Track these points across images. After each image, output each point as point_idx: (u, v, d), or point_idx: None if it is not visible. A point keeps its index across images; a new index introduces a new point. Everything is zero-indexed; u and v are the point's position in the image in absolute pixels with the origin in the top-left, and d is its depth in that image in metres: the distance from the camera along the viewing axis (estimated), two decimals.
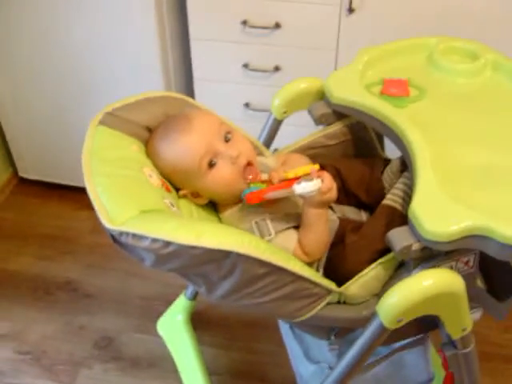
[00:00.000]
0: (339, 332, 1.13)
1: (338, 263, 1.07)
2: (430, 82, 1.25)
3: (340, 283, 1.04)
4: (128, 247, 0.89)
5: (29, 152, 2.23)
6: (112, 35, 1.84)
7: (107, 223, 0.87)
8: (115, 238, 0.89)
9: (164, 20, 1.83)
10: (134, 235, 0.85)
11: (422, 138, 1.06)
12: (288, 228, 1.08)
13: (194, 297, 1.70)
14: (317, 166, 1.03)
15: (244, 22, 1.80)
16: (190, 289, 1.69)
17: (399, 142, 1.11)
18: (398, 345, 1.27)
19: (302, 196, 1.02)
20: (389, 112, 1.14)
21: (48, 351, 1.80)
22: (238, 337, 1.83)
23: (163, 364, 1.73)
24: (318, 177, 1.00)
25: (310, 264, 1.06)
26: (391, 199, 1.12)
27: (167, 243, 0.84)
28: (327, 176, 1.02)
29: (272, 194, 1.03)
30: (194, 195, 1.08)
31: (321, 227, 1.06)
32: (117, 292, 1.96)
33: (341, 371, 1.05)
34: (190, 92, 1.99)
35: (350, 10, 1.72)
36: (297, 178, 1.02)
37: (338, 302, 1.06)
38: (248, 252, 0.87)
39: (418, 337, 1.24)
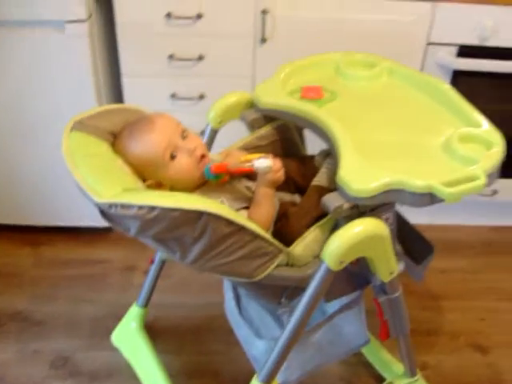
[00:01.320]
0: (289, 294, 1.33)
1: (284, 231, 1.29)
2: (339, 87, 1.51)
3: None
4: (116, 218, 1.08)
5: None
6: (48, 77, 1.98)
7: (97, 198, 1.06)
8: (104, 212, 1.07)
9: (97, 60, 2.00)
10: (123, 205, 1.04)
11: (341, 126, 1.31)
12: (241, 208, 1.29)
13: (145, 304, 1.85)
14: (270, 154, 1.27)
15: (171, 56, 2.02)
16: (142, 297, 1.84)
17: (321, 132, 1.35)
18: (335, 309, 1.50)
19: (259, 170, 1.24)
20: (310, 110, 1.39)
21: (6, 376, 1.86)
22: (187, 342, 1.97)
23: (121, 373, 1.83)
24: (273, 159, 1.25)
25: None
26: (318, 180, 1.37)
27: (152, 208, 1.03)
28: (278, 159, 1.27)
29: (234, 166, 1.25)
30: (158, 185, 1.28)
31: (268, 205, 1.28)
32: (67, 317, 2.05)
33: (295, 321, 1.25)
34: None
35: (263, 40, 2.00)
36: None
37: (287, 265, 1.27)
38: (217, 212, 1.08)
39: (353, 298, 1.47)
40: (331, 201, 1.18)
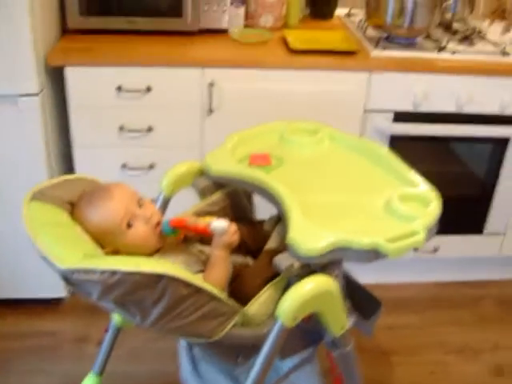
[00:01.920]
0: (245, 354, 1.38)
1: (239, 291, 1.34)
2: (285, 154, 1.60)
3: None
4: (78, 283, 1.11)
5: None
6: (1, 149, 2.01)
7: (60, 265, 1.09)
8: (67, 278, 1.10)
9: (49, 132, 2.05)
10: (85, 271, 1.08)
11: (288, 191, 1.39)
12: (196, 271, 1.34)
13: (101, 372, 1.84)
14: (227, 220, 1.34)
15: (121, 128, 2.09)
16: (97, 366, 1.83)
17: (270, 197, 1.43)
18: (290, 367, 1.54)
19: (216, 231, 1.30)
20: (259, 176, 1.47)
21: None
22: None
23: None
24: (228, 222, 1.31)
25: None
26: (270, 245, 1.44)
27: (113, 272, 1.08)
28: (233, 223, 1.33)
29: (192, 222, 1.30)
30: (115, 252, 1.32)
31: (223, 267, 1.34)
32: None
33: (252, 380, 1.29)
34: None
35: (210, 111, 2.09)
36: None
37: (243, 325, 1.31)
38: (175, 274, 1.13)
39: (307, 355, 1.52)
40: (282, 261, 1.25)
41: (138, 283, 1.10)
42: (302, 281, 1.23)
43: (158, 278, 1.11)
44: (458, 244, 2.54)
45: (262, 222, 1.58)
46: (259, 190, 1.46)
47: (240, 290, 1.34)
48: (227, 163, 1.54)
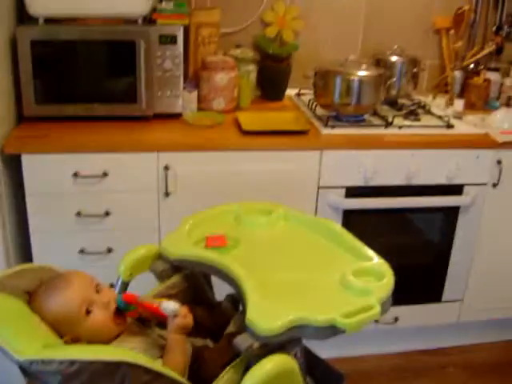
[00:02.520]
0: None
1: (200, 374, 1.34)
2: (241, 235, 1.63)
3: None
4: (37, 374, 1.10)
5: None
6: None
7: (18, 356, 1.09)
8: (25, 369, 1.10)
9: (5, 219, 2.06)
10: (43, 361, 1.08)
11: (245, 271, 1.41)
12: (157, 357, 1.34)
13: None
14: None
15: (78, 213, 2.10)
16: None
17: (227, 278, 1.45)
18: None
19: (166, 311, 1.31)
20: (215, 258, 1.49)
21: None
22: None
23: None
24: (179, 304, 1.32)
25: None
26: (230, 329, 1.45)
27: (71, 362, 1.08)
28: (185, 306, 1.35)
29: (145, 300, 1.31)
30: (75, 340, 1.31)
31: (180, 350, 1.34)
32: None
33: None
34: None
35: (166, 194, 2.12)
36: None
37: None
38: (135, 361, 1.13)
39: None
40: (241, 341, 1.26)
41: (98, 372, 1.10)
42: (262, 361, 1.24)
43: (117, 365, 1.11)
44: (417, 313, 2.58)
45: (220, 303, 1.60)
46: (216, 272, 1.48)
47: (201, 373, 1.35)
48: (183, 246, 1.56)
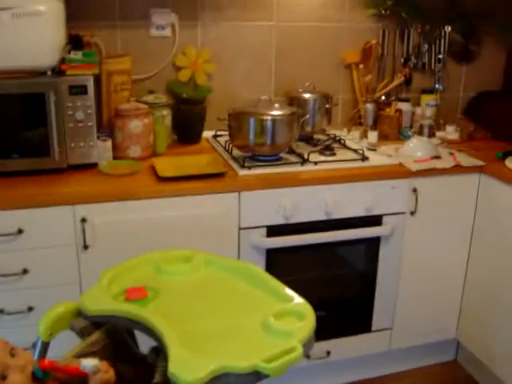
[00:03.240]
0: None
1: None
2: (161, 284, 1.61)
3: None
4: None
5: None
6: None
7: None
8: None
9: None
10: None
11: (165, 323, 1.39)
12: None
13: None
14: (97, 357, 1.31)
15: None
16: None
17: (149, 331, 1.43)
18: None
19: (86, 369, 1.27)
20: (136, 311, 1.46)
21: None
22: None
23: None
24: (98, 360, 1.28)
25: None
26: (157, 379, 1.41)
27: None
28: (105, 361, 1.31)
29: (62, 363, 1.26)
30: None
31: None
32: None
33: None
34: None
35: (85, 247, 2.08)
36: None
37: None
38: None
39: None
40: None
41: None
42: None
43: None
44: (349, 345, 2.61)
45: (145, 356, 1.56)
46: (137, 325, 1.46)
47: None
48: (102, 301, 1.52)
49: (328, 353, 2.55)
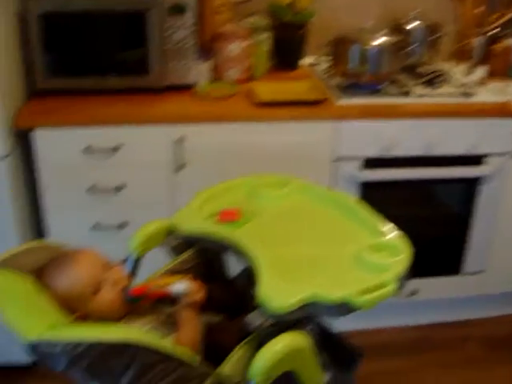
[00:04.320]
0: None
1: (212, 351, 1.32)
2: (255, 208, 1.59)
3: None
4: (43, 356, 1.08)
5: None
6: None
7: (25, 337, 1.07)
8: (32, 350, 1.08)
9: (18, 196, 2.04)
10: (49, 343, 1.06)
11: (258, 247, 1.38)
12: (169, 334, 1.32)
13: None
14: (189, 276, 1.32)
15: (91, 188, 2.09)
16: None
17: (240, 253, 1.42)
18: None
19: (176, 294, 1.28)
20: (228, 233, 1.46)
21: None
22: None
23: None
24: (190, 282, 1.29)
25: None
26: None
27: (77, 344, 1.05)
28: (196, 282, 1.32)
29: (152, 290, 1.28)
30: (85, 316, 1.29)
31: (191, 326, 1.32)
32: None
33: None
34: None
35: (179, 168, 2.09)
36: None
37: None
38: (143, 342, 1.10)
39: None
40: (253, 319, 1.24)
41: (104, 353, 1.08)
42: (274, 339, 1.21)
43: (125, 346, 1.09)
44: (436, 286, 2.54)
45: (234, 279, 1.57)
46: (228, 247, 1.45)
47: (214, 349, 1.32)
48: (195, 221, 1.53)
49: (415, 292, 2.50)
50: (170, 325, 1.35)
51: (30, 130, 2.02)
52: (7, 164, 1.96)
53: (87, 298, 1.27)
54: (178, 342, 1.29)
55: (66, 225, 2.15)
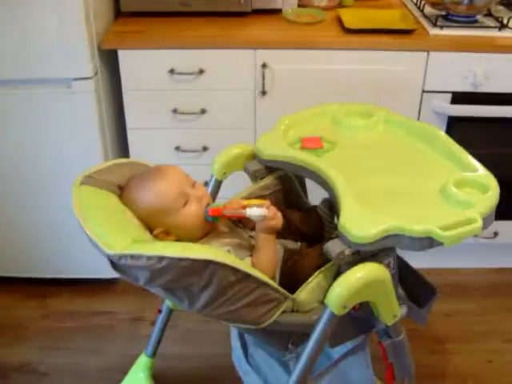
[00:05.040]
0: (295, 340, 1.36)
1: (289, 277, 1.32)
2: (338, 137, 1.57)
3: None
4: (126, 269, 1.11)
5: None
6: (55, 132, 2.04)
7: (108, 250, 1.09)
8: (114, 263, 1.11)
9: (103, 115, 2.07)
10: (132, 256, 1.08)
11: (340, 175, 1.36)
12: (246, 256, 1.33)
13: (153, 354, 1.86)
14: (267, 201, 1.32)
15: (174, 111, 2.09)
16: (150, 347, 1.86)
17: (322, 181, 1.40)
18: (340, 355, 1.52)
19: (251, 218, 1.28)
20: (311, 160, 1.44)
21: None
22: None
23: None
24: (267, 207, 1.28)
25: None
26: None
27: (160, 258, 1.07)
28: (273, 207, 1.31)
29: (229, 211, 1.30)
30: (165, 234, 1.31)
31: (269, 250, 1.32)
32: (74, 368, 2.06)
33: (301, 367, 1.28)
34: None
35: (263, 93, 2.07)
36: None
37: (292, 311, 1.30)
38: (223, 260, 1.12)
39: (358, 343, 1.50)
40: (333, 247, 1.22)
41: (186, 269, 1.09)
42: (353, 268, 1.20)
43: (206, 263, 1.10)
44: None
45: (315, 207, 1.55)
46: (310, 175, 1.44)
47: (291, 275, 1.32)
48: (278, 147, 1.51)
49: (496, 234, 2.43)
50: (248, 249, 1.36)
51: (116, 50, 2.03)
52: (94, 83, 1.98)
53: (173, 211, 1.29)
54: (254, 264, 1.30)
55: (148, 146, 2.18)
